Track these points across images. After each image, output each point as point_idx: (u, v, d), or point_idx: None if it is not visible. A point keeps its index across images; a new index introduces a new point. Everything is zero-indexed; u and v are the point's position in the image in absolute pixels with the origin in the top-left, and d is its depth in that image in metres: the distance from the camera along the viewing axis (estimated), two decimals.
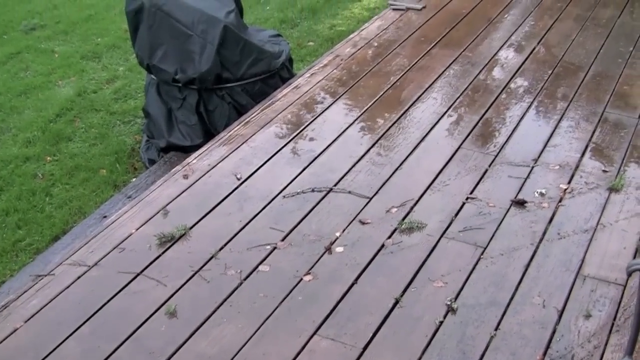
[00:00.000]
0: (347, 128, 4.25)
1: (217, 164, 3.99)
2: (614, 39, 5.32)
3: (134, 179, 4.60)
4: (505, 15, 5.68)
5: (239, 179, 3.83)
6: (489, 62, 4.94)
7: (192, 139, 4.68)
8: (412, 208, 3.60)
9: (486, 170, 3.87)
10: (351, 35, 5.42)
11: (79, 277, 3.24)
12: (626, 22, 5.59)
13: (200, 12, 4.59)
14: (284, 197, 3.68)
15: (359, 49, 5.16)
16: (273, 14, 7.23)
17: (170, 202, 3.70)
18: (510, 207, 3.59)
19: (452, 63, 4.93)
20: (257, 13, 7.26)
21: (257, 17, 7.14)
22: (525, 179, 3.80)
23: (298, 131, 4.24)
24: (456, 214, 3.55)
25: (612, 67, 4.88)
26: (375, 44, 5.22)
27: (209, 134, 4.67)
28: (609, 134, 4.15)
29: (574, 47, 5.15)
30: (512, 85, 4.65)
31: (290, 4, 7.44)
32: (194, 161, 4.02)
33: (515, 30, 5.42)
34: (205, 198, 3.70)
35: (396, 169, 3.90)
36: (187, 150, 4.63)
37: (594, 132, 4.18)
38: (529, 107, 4.43)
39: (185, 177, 3.87)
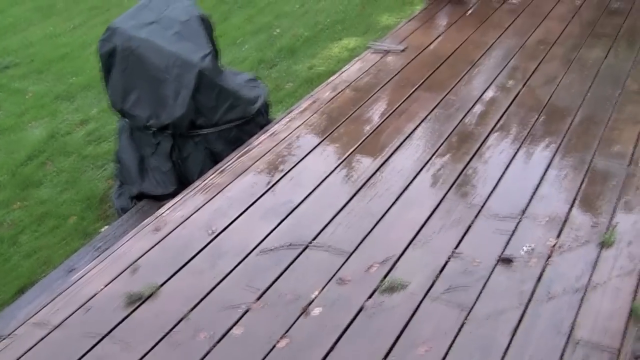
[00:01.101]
0: (326, 177, 4.07)
1: (191, 215, 3.79)
2: (600, 81, 5.18)
3: (105, 228, 4.39)
4: (488, 58, 5.54)
5: (213, 232, 3.61)
6: (472, 106, 4.79)
7: (165, 186, 4.50)
8: (394, 265, 3.43)
9: (471, 224, 3.69)
10: (331, 78, 5.25)
11: (41, 339, 3.08)
12: (613, 64, 5.46)
13: (174, 55, 4.41)
14: (259, 252, 3.51)
15: (338, 93, 4.99)
16: (251, 54, 7.07)
17: (141, 257, 3.51)
18: (496, 264, 3.42)
19: (434, 107, 4.78)
20: (235, 53, 7.10)
21: (235, 57, 6.98)
22: (512, 233, 3.62)
23: (275, 180, 4.06)
24: (440, 272, 3.38)
25: (600, 112, 4.75)
26: (356, 88, 5.05)
27: (183, 181, 4.49)
28: (599, 184, 4.00)
29: (560, 90, 5.00)
30: (497, 131, 4.50)
31: (269, 44, 7.29)
32: (167, 212, 3.82)
33: (499, 73, 5.27)
34: (177, 253, 3.51)
35: (378, 222, 3.72)
36: (161, 198, 4.43)
37: (582, 182, 4.02)
38: (515, 154, 4.26)
39: (157, 229, 3.65)
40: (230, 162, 4.27)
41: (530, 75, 5.26)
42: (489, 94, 4.99)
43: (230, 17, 8.24)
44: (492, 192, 3.95)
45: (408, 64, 5.45)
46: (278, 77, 6.50)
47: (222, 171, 4.19)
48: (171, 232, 3.68)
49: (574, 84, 5.12)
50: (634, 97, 4.98)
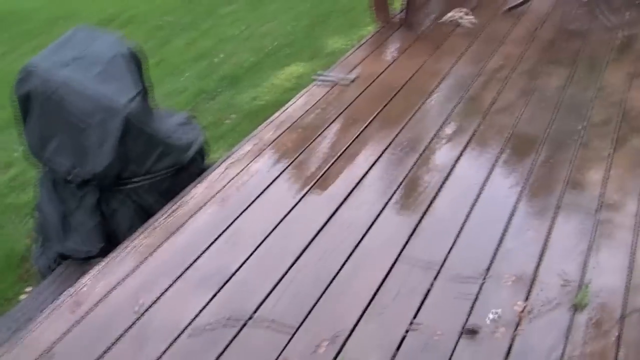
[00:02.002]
0: (267, 236, 3.69)
1: (116, 286, 3.41)
2: (563, 113, 4.89)
3: (23, 297, 3.94)
4: (444, 87, 5.23)
5: (140, 307, 3.22)
6: (427, 145, 4.49)
7: (91, 244, 4.09)
8: (345, 341, 3.06)
9: (430, 287, 3.34)
10: (274, 115, 4.86)
11: None
12: (574, 94, 5.16)
13: (97, 100, 4.00)
14: (192, 332, 3.12)
15: (282, 133, 4.60)
16: (191, 84, 6.67)
17: (55, 343, 3.10)
18: (460, 337, 3.04)
19: (387, 148, 4.43)
20: (174, 82, 6.68)
21: (174, 87, 6.56)
22: (476, 298, 3.29)
23: (211, 240, 3.67)
24: (397, 348, 3.04)
25: (565, 149, 4.47)
26: (301, 126, 4.69)
27: (111, 239, 4.05)
28: (566, 234, 3.72)
29: (522, 125, 4.70)
30: (454, 175, 4.18)
31: (210, 71, 6.89)
32: (89, 281, 3.43)
33: (456, 106, 4.95)
34: (97, 338, 3.12)
35: (326, 288, 3.37)
36: (87, 258, 3.99)
37: (549, 232, 3.71)
38: (475, 202, 3.92)
39: (76, 306, 3.23)
40: (162, 218, 3.87)
41: (489, 108, 4.93)
42: (446, 130, 4.67)
43: (170, 42, 7.83)
44: (451, 248, 3.60)
45: (358, 97, 5.09)
46: (219, 110, 6.10)
47: (152, 230, 3.77)
48: (92, 309, 3.29)
49: (536, 117, 4.80)
50: (598, 130, 4.68)
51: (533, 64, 5.66)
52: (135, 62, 4.34)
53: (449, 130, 4.67)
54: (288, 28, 7.85)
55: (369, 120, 4.74)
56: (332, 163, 4.29)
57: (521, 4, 6.84)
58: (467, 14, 6.47)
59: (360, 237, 3.69)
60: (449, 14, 6.50)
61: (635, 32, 6.35)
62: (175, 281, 3.41)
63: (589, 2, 6.99)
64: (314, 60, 6.99)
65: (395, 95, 5.11)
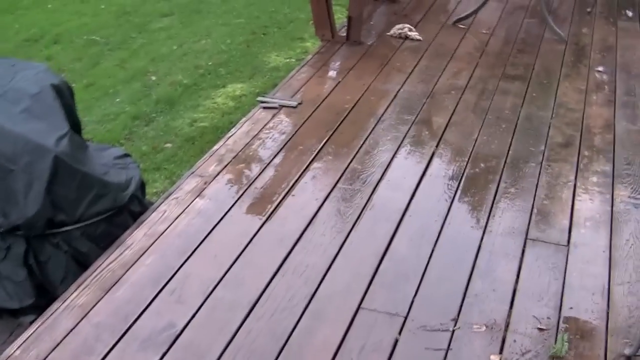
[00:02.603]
0: (215, 286, 3.40)
1: (50, 353, 3.02)
2: (521, 135, 4.71)
3: None
4: (394, 110, 5.01)
5: None
6: (381, 177, 4.29)
7: (20, 299, 3.74)
8: None
9: (396, 342, 3.07)
10: (215, 147, 4.58)
11: None
12: (532, 114, 4.98)
13: (23, 139, 3.66)
14: None
15: (225, 166, 4.31)
16: (124, 108, 6.31)
17: None
18: None
19: (338, 180, 4.20)
20: (106, 107, 6.33)
21: (106, 113, 6.21)
22: (447, 352, 3.04)
23: (153, 295, 3.36)
24: None
25: (526, 175, 4.31)
26: (246, 158, 4.43)
27: (43, 292, 3.70)
28: (538, 272, 3.55)
29: (479, 150, 4.50)
30: (412, 209, 3.99)
31: (144, 94, 6.54)
32: (17, 352, 3.04)
33: (408, 131, 4.75)
34: None
35: (283, 347, 3.11)
36: (17, 314, 3.65)
37: (519, 271, 3.47)
38: (437, 239, 3.71)
39: None
40: (96, 271, 3.53)
41: (443, 132, 4.73)
42: (399, 159, 4.47)
43: (100, 62, 7.46)
44: (415, 294, 3.36)
45: (304, 123, 4.82)
46: (155, 137, 5.76)
47: (88, 285, 3.44)
48: None
49: (493, 141, 4.61)
50: (560, 152, 4.49)
51: (485, 81, 5.48)
52: (64, 95, 4.00)
53: (402, 158, 4.46)
54: (223, 46, 7.54)
55: (318, 149, 4.48)
56: (282, 199, 4.02)
57: (468, 16, 6.64)
58: (410, 30, 6.22)
59: (316, 285, 3.43)
60: (394, 29, 6.25)
61: (584, 43, 6.18)
62: (113, 347, 3.08)
63: (536, 12, 6.80)
64: (254, 78, 6.70)
65: (343, 120, 4.85)
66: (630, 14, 7.23)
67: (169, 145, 5.71)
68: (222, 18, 8.43)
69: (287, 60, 7.01)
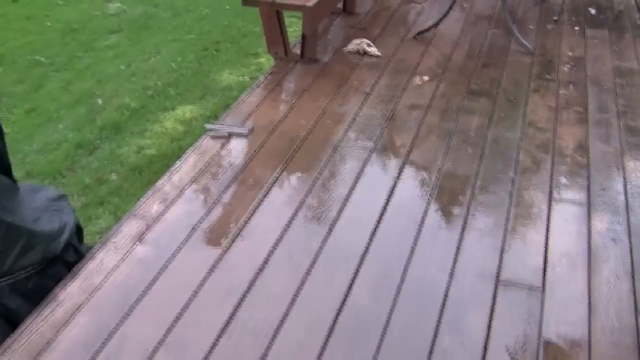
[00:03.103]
0: (157, 348, 3.07)
1: None
2: (489, 161, 4.43)
3: None
4: (352, 136, 4.71)
5: None
6: (338, 214, 3.98)
7: None
8: None
9: None
10: (159, 182, 4.24)
11: None
12: (499, 136, 4.69)
13: None
14: None
15: (169, 206, 3.98)
16: (67, 136, 5.95)
17: None
18: None
19: (291, 220, 3.85)
20: (48, 135, 5.96)
21: (47, 141, 5.84)
22: None
23: None
24: None
25: (495, 207, 4.08)
26: (192, 194, 4.12)
27: None
28: (512, 321, 3.29)
29: (444, 180, 4.26)
30: (372, 251, 3.71)
31: (89, 120, 6.18)
32: None
33: (367, 159, 4.41)
34: None
35: None
36: None
37: (491, 321, 3.20)
38: (400, 287, 3.42)
39: None
40: (25, 333, 3.19)
41: (405, 160, 4.42)
42: (358, 193, 4.19)
43: (44, 84, 7.08)
44: (377, 352, 3.00)
45: (255, 153, 4.49)
46: (100, 167, 5.41)
47: (13, 350, 3.09)
48: None
49: (459, 169, 4.32)
50: (530, 178, 4.22)
51: (449, 99, 5.20)
52: None
53: (361, 191, 4.17)
54: (173, 65, 7.19)
55: (270, 183, 4.16)
56: (231, 243, 3.67)
57: (429, 28, 6.34)
58: (369, 45, 5.91)
59: (267, 344, 3.10)
60: (352, 45, 5.94)
61: (552, 54, 5.90)
62: None
63: (500, 22, 6.52)
64: (205, 99, 6.36)
65: (298, 148, 4.52)
66: (593, 11, 6.97)
67: (114, 176, 5.36)
68: (172, 34, 8.09)
69: (240, 78, 6.67)
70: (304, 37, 5.67)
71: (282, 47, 5.78)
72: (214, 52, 7.58)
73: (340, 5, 6.77)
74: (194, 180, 4.26)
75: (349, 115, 4.97)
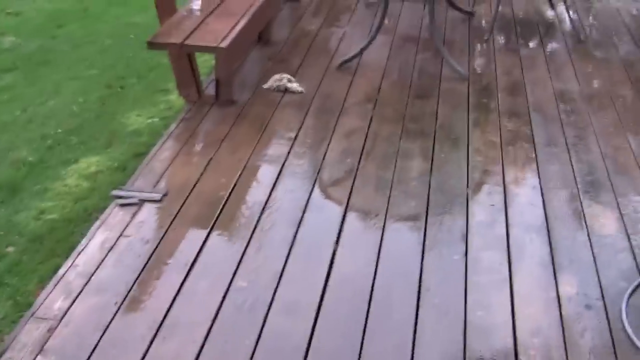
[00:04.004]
0: None
1: None
2: (436, 218, 4.12)
3: None
4: (280, 195, 4.28)
5: None
6: (272, 298, 3.48)
7: None
8: None
9: None
10: (61, 271, 3.70)
11: None
12: (443, 183, 4.35)
13: None
14: None
15: (75, 300, 3.49)
16: None
17: None
18: None
19: (217, 312, 3.35)
20: None
21: None
22: None
23: None
24: None
25: (450, 276, 3.65)
26: (99, 286, 3.62)
27: None
28: None
29: (388, 250, 3.87)
30: (313, 348, 3.23)
31: None
32: None
33: (299, 224, 3.97)
34: None
35: None
36: None
37: None
38: None
39: None
40: None
41: (342, 225, 3.91)
42: (292, 269, 3.71)
43: None
44: None
45: (171, 224, 3.97)
46: None
47: None
48: None
49: (403, 232, 3.93)
50: (485, 235, 3.90)
51: (384, 140, 4.79)
52: None
53: (297, 264, 3.72)
54: (74, 108, 6.55)
55: (191, 261, 3.63)
56: (146, 349, 3.08)
57: (353, 56, 5.83)
58: (290, 80, 5.37)
59: None
60: (271, 81, 5.40)
61: (488, 79, 5.47)
62: None
63: (429, 44, 6.06)
64: (112, 147, 5.75)
65: (219, 214, 4.03)
66: (523, 27, 6.61)
67: (10, 249, 4.72)
68: (72, 70, 7.44)
69: (150, 120, 6.08)
70: (217, 70, 5.11)
71: (195, 89, 5.22)
72: (120, 89, 6.97)
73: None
74: (101, 264, 3.72)
75: (274, 168, 4.45)
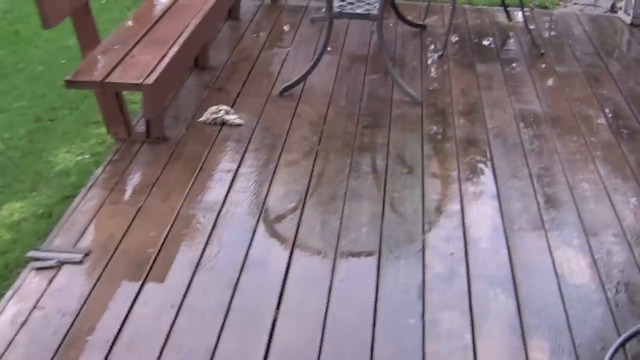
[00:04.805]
0: None
1: None
2: (390, 272, 3.75)
3: None
4: (215, 250, 3.89)
5: None
6: None
7: None
8: None
9: None
10: None
11: None
12: (396, 231, 3.98)
13: None
14: None
15: None
16: None
17: None
18: None
19: None
20: None
21: None
22: None
23: None
24: None
25: (406, 344, 3.28)
26: None
27: None
28: None
29: (337, 311, 3.49)
30: None
31: None
32: None
33: (235, 287, 3.67)
34: None
35: None
36: None
37: None
38: None
39: None
40: None
41: (284, 283, 3.52)
42: (227, 343, 3.28)
43: None
44: None
45: (92, 289, 3.63)
46: None
47: None
48: None
49: (353, 295, 3.50)
50: (444, 292, 3.62)
51: (331, 179, 4.44)
52: None
53: (233, 338, 3.32)
54: (0, 143, 6.07)
55: (111, 342, 3.24)
56: None
57: (297, 82, 5.41)
58: (228, 112, 4.94)
59: None
60: (207, 114, 4.96)
61: (443, 103, 5.09)
62: None
63: (379, 64, 5.65)
64: (38, 190, 5.29)
65: (147, 276, 3.64)
66: (479, 40, 6.24)
67: None
68: (0, 102, 6.95)
69: (79, 158, 5.62)
70: (146, 104, 4.68)
71: (123, 127, 4.79)
72: (49, 122, 6.49)
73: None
74: (12, 343, 3.26)
75: (209, 218, 4.03)
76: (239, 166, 4.58)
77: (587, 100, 5.47)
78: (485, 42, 6.51)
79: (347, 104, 5.36)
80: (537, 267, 3.69)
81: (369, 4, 5.51)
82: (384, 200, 4.20)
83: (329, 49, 5.74)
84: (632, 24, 7.04)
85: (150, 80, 4.47)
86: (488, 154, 4.68)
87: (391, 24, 6.79)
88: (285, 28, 6.80)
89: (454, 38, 6.54)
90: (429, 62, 6.05)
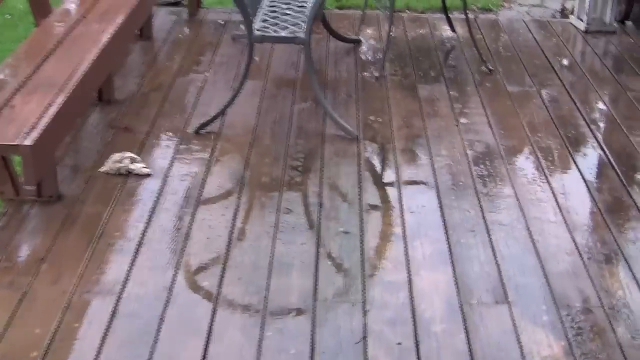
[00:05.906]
0: None
1: None
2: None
3: None
4: (113, 352, 3.23)
5: None
6: None
7: None
8: None
9: None
10: None
11: None
12: (331, 312, 3.42)
13: None
14: None
15: None
16: None
17: None
18: None
19: None
20: None
21: None
22: None
23: None
24: None
25: None
26: None
27: None
28: None
29: None
30: None
31: None
32: None
33: None
34: None
35: None
36: None
37: None
38: None
39: None
40: None
41: None
42: None
43: None
44: None
45: None
46: None
47: None
48: None
49: None
50: None
51: (253, 244, 3.85)
52: None
53: None
54: None
55: None
56: None
57: (215, 117, 4.76)
58: (133, 160, 4.24)
59: None
60: (110, 163, 4.25)
61: (383, 137, 4.48)
62: None
63: (308, 89, 4.96)
64: None
65: None
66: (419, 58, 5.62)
67: None
68: None
69: None
70: (34, 160, 3.95)
71: (10, 185, 4.06)
72: None
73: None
74: None
75: (107, 307, 3.37)
76: (144, 231, 3.89)
77: (545, 125, 4.91)
78: (428, 59, 5.86)
79: (273, 141, 4.70)
80: (498, 347, 3.06)
81: (295, 24, 4.83)
82: (315, 270, 3.57)
83: (253, 65, 5.01)
84: (586, 31, 6.44)
85: (30, 140, 3.75)
86: (436, 201, 4.06)
87: (322, 39, 6.07)
88: (204, 48, 6.06)
89: (393, 54, 5.86)
90: (365, 85, 5.39)
